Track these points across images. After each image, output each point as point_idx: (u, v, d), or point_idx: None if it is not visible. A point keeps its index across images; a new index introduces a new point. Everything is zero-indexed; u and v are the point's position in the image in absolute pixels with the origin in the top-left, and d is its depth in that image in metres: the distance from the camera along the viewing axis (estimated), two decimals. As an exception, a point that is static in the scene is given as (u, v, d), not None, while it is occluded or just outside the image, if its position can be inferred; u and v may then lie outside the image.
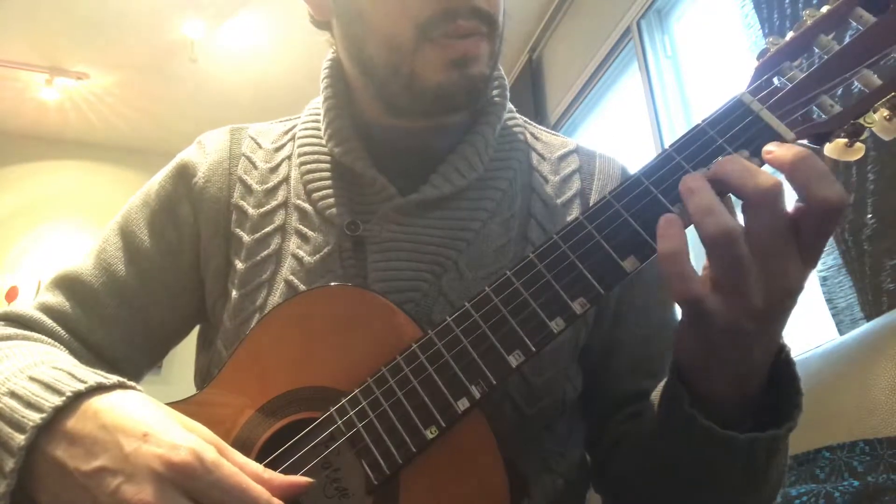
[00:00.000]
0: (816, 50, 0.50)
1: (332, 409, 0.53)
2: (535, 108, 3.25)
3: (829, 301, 1.44)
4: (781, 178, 0.45)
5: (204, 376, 0.73)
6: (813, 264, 0.46)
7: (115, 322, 0.70)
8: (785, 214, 0.44)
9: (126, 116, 3.89)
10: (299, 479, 0.48)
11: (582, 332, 0.69)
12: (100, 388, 0.50)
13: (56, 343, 0.66)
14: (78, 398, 0.49)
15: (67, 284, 0.71)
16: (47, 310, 0.69)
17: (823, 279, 1.45)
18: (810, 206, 0.43)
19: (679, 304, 0.47)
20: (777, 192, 0.44)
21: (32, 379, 0.51)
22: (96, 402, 0.48)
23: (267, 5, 3.16)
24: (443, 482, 0.51)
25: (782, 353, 0.51)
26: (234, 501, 0.44)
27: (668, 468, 0.57)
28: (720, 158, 0.47)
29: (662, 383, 0.58)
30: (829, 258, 1.44)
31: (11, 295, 3.56)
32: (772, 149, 0.46)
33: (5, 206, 3.81)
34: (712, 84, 2.26)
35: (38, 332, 0.67)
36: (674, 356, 0.52)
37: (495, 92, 0.76)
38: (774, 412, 0.51)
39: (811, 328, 1.59)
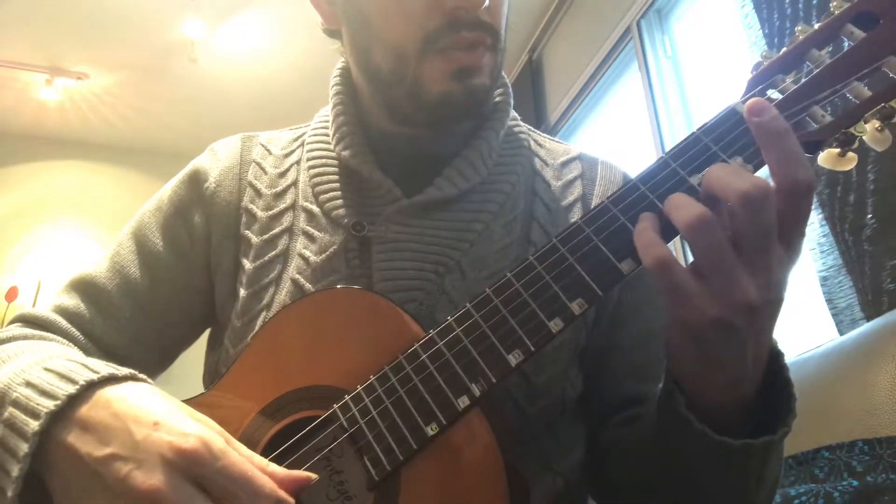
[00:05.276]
0: (809, 64, 0.51)
1: (336, 407, 0.54)
2: (535, 108, 3.24)
3: (829, 301, 1.43)
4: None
5: (212, 375, 0.75)
6: (795, 254, 0.47)
7: (128, 324, 0.72)
8: (769, 213, 0.44)
9: (126, 116, 3.89)
10: (302, 473, 0.49)
11: (582, 334, 0.70)
12: (112, 379, 0.51)
13: (71, 344, 0.67)
14: (91, 387, 0.50)
15: (83, 287, 0.73)
16: (63, 312, 0.71)
17: (823, 279, 1.44)
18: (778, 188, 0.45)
19: (653, 277, 0.46)
20: (756, 194, 0.44)
21: (47, 370, 0.52)
22: (108, 392, 0.49)
23: (267, 6, 3.16)
24: (443, 482, 0.52)
25: (777, 360, 0.52)
26: (239, 489, 0.44)
27: (663, 473, 0.57)
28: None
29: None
30: (830, 258, 1.43)
31: (11, 295, 3.55)
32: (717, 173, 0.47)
33: (5, 206, 3.80)
34: (712, 84, 2.26)
35: (54, 334, 0.68)
36: (666, 359, 0.52)
37: (499, 98, 0.77)
38: (773, 415, 0.51)
39: (811, 328, 1.59)
